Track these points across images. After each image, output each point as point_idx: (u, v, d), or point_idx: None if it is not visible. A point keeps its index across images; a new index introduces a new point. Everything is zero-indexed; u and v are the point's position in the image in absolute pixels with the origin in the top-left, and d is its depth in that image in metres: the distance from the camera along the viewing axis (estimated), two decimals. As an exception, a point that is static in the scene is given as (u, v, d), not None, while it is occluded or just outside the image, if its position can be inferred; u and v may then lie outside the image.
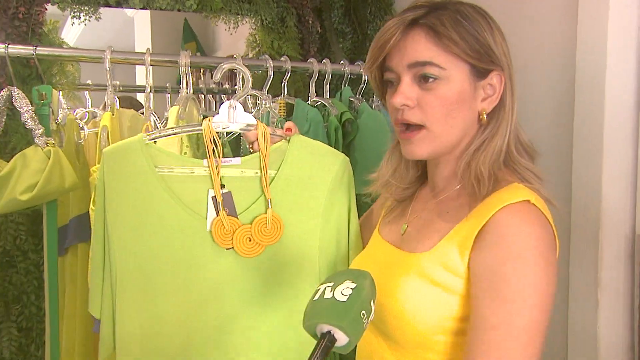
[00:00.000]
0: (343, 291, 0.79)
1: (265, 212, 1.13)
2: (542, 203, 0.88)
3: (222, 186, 1.13)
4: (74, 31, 4.55)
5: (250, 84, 1.17)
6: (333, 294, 0.79)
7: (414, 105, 0.93)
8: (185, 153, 1.28)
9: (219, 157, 1.11)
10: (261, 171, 1.13)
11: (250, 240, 1.13)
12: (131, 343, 1.13)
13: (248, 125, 1.15)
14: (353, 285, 0.80)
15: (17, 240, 1.61)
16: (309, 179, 1.16)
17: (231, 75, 2.56)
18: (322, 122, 1.45)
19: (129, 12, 3.42)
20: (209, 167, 1.11)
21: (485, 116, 0.93)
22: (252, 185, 1.14)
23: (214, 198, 1.12)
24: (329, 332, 0.77)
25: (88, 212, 1.30)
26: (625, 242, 1.36)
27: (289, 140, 1.17)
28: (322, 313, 0.78)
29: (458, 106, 0.92)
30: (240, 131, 1.17)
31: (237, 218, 1.13)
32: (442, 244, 0.91)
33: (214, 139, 1.10)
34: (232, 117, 1.13)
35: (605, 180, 1.32)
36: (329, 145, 1.48)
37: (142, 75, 3.53)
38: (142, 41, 3.83)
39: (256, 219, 1.13)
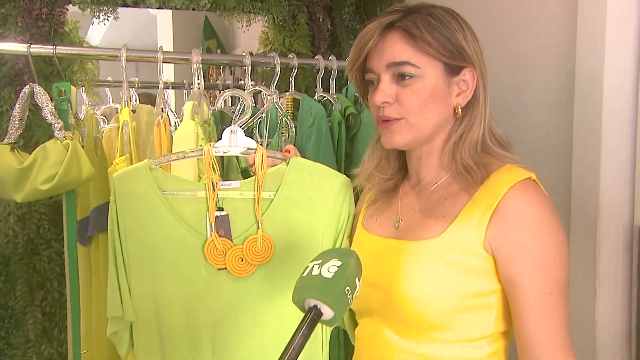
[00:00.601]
0: (329, 268, 0.84)
1: (256, 233, 1.18)
2: (536, 178, 0.97)
3: (221, 209, 1.18)
4: (100, 30, 4.66)
5: (250, 111, 1.24)
6: (320, 271, 0.84)
7: (393, 102, 0.99)
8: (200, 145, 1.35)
9: (216, 181, 1.17)
10: (254, 193, 1.19)
11: (242, 260, 1.17)
12: (148, 346, 1.22)
13: (248, 148, 1.20)
14: (339, 263, 0.85)
15: (40, 229, 1.70)
16: (308, 200, 1.20)
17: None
18: (325, 116, 1.50)
19: (152, 10, 3.50)
20: (207, 189, 1.17)
21: (460, 110, 1.00)
22: (251, 207, 1.19)
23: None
24: (315, 306, 0.82)
25: (106, 202, 1.38)
26: (624, 234, 1.38)
27: (288, 163, 1.21)
28: (309, 288, 0.84)
29: (433, 100, 0.99)
30: (240, 155, 1.22)
31: (231, 239, 1.18)
32: (453, 228, 0.96)
33: (213, 163, 1.17)
34: (233, 141, 1.19)
35: (603, 172, 1.35)
36: (333, 138, 1.53)
37: (165, 72, 3.62)
38: (164, 39, 3.90)
39: (247, 239, 1.17)
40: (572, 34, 1.40)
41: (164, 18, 3.91)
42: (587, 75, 1.37)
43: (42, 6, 1.64)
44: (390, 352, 1.02)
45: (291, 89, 1.59)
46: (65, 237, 1.45)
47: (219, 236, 1.16)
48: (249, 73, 1.54)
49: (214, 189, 1.16)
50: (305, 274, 0.86)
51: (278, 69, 1.54)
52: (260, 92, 1.81)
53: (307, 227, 1.19)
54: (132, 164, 1.35)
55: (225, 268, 1.17)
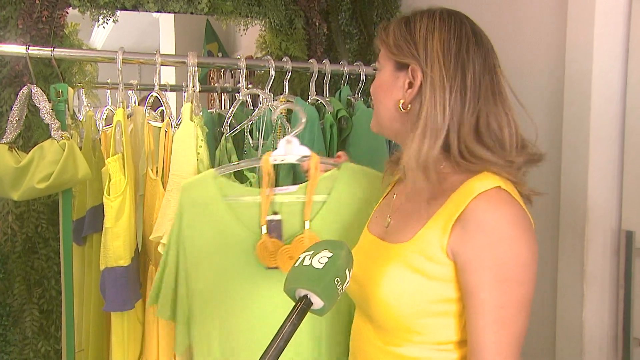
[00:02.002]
0: (320, 259, 0.86)
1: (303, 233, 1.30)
2: (511, 187, 0.93)
3: (276, 213, 1.31)
4: (103, 32, 4.71)
5: (304, 123, 1.34)
6: (311, 261, 0.86)
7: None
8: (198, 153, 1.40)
9: (271, 186, 1.29)
10: (306, 196, 1.30)
11: (290, 258, 1.27)
12: (209, 342, 1.32)
13: (303, 156, 1.31)
14: (329, 255, 0.87)
15: (38, 228, 1.73)
16: (359, 200, 1.31)
17: (249, 74, 2.64)
18: (317, 119, 1.52)
19: (154, 14, 3.54)
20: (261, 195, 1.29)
21: (401, 106, 1.01)
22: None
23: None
24: (305, 295, 0.84)
25: (102, 203, 1.40)
26: (611, 237, 1.40)
27: (339, 167, 1.32)
28: (299, 278, 0.85)
29: (381, 91, 1.06)
30: (296, 162, 1.33)
31: (282, 239, 1.29)
32: (421, 233, 0.97)
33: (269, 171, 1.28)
34: (288, 150, 1.31)
35: (591, 176, 1.37)
36: (325, 140, 1.56)
37: (166, 74, 3.65)
38: (167, 42, 3.93)
39: (295, 238, 1.29)
40: (562, 42, 1.43)
41: (166, 21, 3.94)
42: (576, 82, 1.39)
43: (42, 9, 1.67)
44: (369, 347, 1.05)
45: (285, 92, 1.61)
46: (61, 235, 1.47)
47: (270, 237, 1.28)
48: (244, 76, 1.56)
49: (268, 194, 1.29)
50: (296, 265, 0.88)
51: (272, 73, 1.56)
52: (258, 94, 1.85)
53: (357, 226, 1.25)
54: (124, 163, 1.37)
55: (277, 267, 1.28)
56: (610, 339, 1.41)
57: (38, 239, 1.73)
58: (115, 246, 1.37)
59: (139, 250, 1.54)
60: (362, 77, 1.71)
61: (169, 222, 1.34)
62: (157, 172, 1.48)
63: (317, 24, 2.01)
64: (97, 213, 1.61)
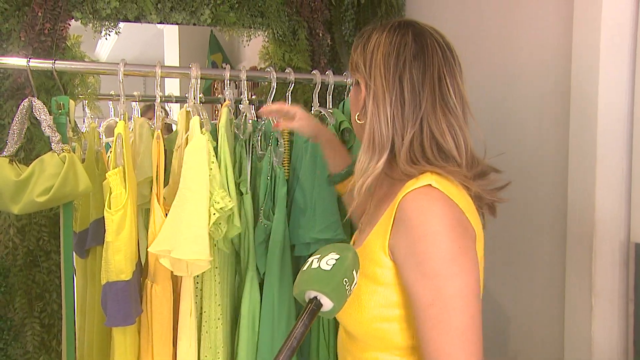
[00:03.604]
0: (328, 261, 0.88)
1: None
2: (447, 186, 0.93)
3: None
4: (108, 44, 4.73)
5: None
6: (319, 264, 0.88)
7: None
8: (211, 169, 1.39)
9: None
10: None
11: None
12: None
13: None
14: (337, 256, 0.89)
15: (40, 241, 1.71)
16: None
17: (253, 85, 2.64)
18: None
19: (159, 25, 3.56)
20: None
21: (356, 118, 1.06)
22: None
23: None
24: (315, 297, 0.86)
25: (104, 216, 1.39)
26: (620, 250, 1.37)
27: None
28: (309, 281, 0.87)
29: (351, 107, 1.12)
30: None
31: None
32: (370, 237, 0.99)
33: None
34: None
35: (599, 188, 1.35)
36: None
37: (171, 85, 3.66)
38: (171, 53, 3.95)
39: None
40: (567, 47, 1.41)
41: (170, 32, 3.97)
42: (582, 92, 1.38)
43: (44, 21, 1.67)
44: (344, 353, 1.08)
45: (288, 103, 1.60)
46: (62, 248, 1.46)
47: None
48: (245, 88, 1.55)
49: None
50: (305, 268, 0.90)
51: (274, 84, 1.55)
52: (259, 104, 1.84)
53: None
54: (125, 176, 1.36)
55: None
56: (620, 354, 1.38)
57: (39, 252, 1.72)
58: (117, 260, 1.36)
59: (142, 263, 1.52)
60: (365, 88, 1.69)
61: (198, 242, 1.33)
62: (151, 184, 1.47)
63: (320, 34, 2.01)
64: (100, 225, 1.59)
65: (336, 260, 0.88)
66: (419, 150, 0.96)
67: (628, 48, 1.34)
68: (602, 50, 1.33)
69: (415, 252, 0.89)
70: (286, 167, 1.57)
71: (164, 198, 1.45)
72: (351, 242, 1.16)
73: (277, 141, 1.54)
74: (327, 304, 0.86)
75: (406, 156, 0.96)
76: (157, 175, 1.43)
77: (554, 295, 1.45)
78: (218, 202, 1.37)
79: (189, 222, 1.34)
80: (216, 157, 1.43)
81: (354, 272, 0.89)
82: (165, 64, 3.86)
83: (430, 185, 0.92)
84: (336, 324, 1.62)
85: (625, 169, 1.37)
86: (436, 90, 0.98)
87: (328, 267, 0.87)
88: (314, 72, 1.65)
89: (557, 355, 1.45)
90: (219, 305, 1.49)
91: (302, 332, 0.83)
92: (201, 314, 1.48)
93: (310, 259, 0.91)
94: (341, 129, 1.59)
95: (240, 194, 1.53)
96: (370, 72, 0.99)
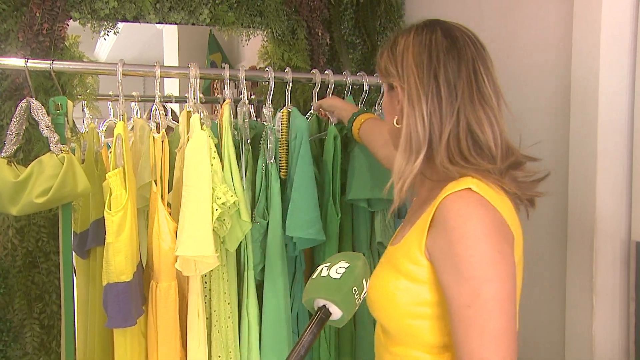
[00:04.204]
0: (337, 270, 0.89)
1: None
2: (487, 191, 0.92)
3: None
4: (107, 44, 4.72)
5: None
6: (329, 272, 0.89)
7: None
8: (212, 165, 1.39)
9: None
10: None
11: None
12: None
13: None
14: (346, 265, 0.90)
15: (39, 242, 1.71)
16: None
17: (252, 85, 2.64)
18: (307, 130, 1.52)
19: (158, 25, 3.55)
20: None
21: (395, 122, 1.06)
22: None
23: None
24: (324, 306, 0.87)
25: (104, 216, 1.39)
26: (621, 248, 1.37)
27: None
28: (317, 289, 0.88)
29: (385, 112, 1.13)
30: None
31: None
32: (407, 236, 1.00)
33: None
34: None
35: (599, 187, 1.34)
36: (327, 152, 1.54)
37: (170, 85, 3.66)
38: (170, 52, 3.94)
39: None
40: (567, 47, 1.41)
41: (169, 32, 3.96)
42: (582, 90, 1.38)
43: (43, 22, 1.66)
44: (379, 346, 1.09)
45: (287, 102, 1.60)
46: (61, 249, 1.46)
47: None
48: (245, 87, 1.55)
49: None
50: (314, 276, 0.91)
51: (272, 83, 1.55)
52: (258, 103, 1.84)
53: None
54: (125, 177, 1.35)
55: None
56: (622, 353, 1.38)
57: (39, 253, 1.71)
58: (117, 261, 1.36)
59: (143, 264, 1.52)
60: (366, 87, 1.69)
61: (196, 239, 1.33)
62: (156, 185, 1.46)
63: (319, 34, 2.00)
64: (100, 226, 1.59)
65: (346, 268, 0.89)
66: (455, 145, 0.96)
67: (628, 47, 1.34)
68: (602, 49, 1.33)
69: (453, 254, 0.89)
70: (284, 166, 1.57)
71: (168, 203, 1.44)
72: (392, 237, 1.16)
73: (268, 137, 1.55)
74: (336, 312, 0.87)
75: (444, 153, 0.96)
76: (161, 175, 1.42)
77: (555, 294, 1.45)
78: (220, 198, 1.37)
79: (191, 218, 1.34)
80: (218, 153, 1.43)
81: (364, 281, 0.91)
82: (165, 64, 3.85)
83: (470, 189, 0.92)
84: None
85: (626, 167, 1.37)
86: (472, 83, 0.98)
87: (337, 276, 0.88)
88: (313, 71, 1.64)
89: (558, 354, 1.45)
90: (229, 303, 1.49)
91: (311, 341, 0.84)
92: (211, 313, 1.47)
93: (320, 267, 0.92)
94: (344, 130, 1.60)
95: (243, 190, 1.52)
96: (403, 74, 1.00)
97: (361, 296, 0.90)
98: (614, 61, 1.34)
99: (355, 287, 0.88)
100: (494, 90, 1.00)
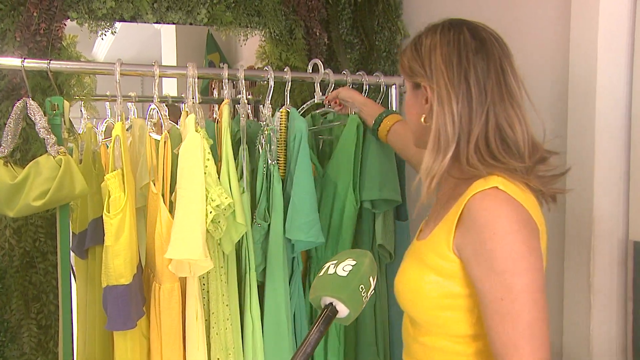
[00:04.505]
0: (344, 267, 0.90)
1: None
2: (513, 189, 0.96)
3: None
4: (105, 44, 4.72)
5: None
6: (335, 270, 0.90)
7: None
8: (206, 166, 1.38)
9: None
10: None
11: None
12: None
13: None
14: (353, 263, 0.91)
15: (36, 242, 1.71)
16: None
17: (250, 85, 2.63)
18: (306, 131, 1.52)
19: (156, 25, 3.54)
20: None
21: (423, 120, 1.08)
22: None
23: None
24: (331, 303, 0.87)
25: (102, 216, 1.39)
26: (618, 248, 1.37)
27: None
28: (324, 286, 0.89)
29: (409, 111, 1.14)
30: None
31: None
32: (435, 232, 1.03)
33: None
34: None
35: (597, 186, 1.34)
36: (350, 141, 1.59)
37: (168, 85, 3.65)
38: (168, 52, 3.93)
39: None
40: (565, 46, 1.40)
41: (167, 32, 3.95)
42: (580, 90, 1.37)
43: (40, 21, 1.66)
44: (407, 337, 1.13)
45: (286, 102, 1.59)
46: (59, 250, 1.45)
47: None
48: (244, 87, 1.54)
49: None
50: (321, 274, 0.91)
51: (272, 83, 1.54)
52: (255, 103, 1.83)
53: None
54: (123, 179, 1.35)
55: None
56: (619, 352, 1.38)
57: (36, 253, 1.71)
58: (116, 264, 1.35)
59: (142, 265, 1.51)
60: (365, 87, 1.69)
61: (185, 241, 1.32)
62: (156, 185, 1.46)
63: (317, 33, 2.00)
64: (99, 225, 1.59)
65: (352, 266, 0.90)
66: (484, 144, 0.99)
67: (626, 46, 1.34)
68: (599, 48, 1.33)
69: (484, 250, 0.92)
70: (282, 166, 1.57)
71: (170, 202, 1.44)
72: (418, 231, 1.18)
73: (270, 138, 1.54)
74: (342, 310, 0.87)
75: (472, 152, 0.99)
76: (163, 176, 1.42)
77: (553, 294, 1.45)
78: (214, 200, 1.37)
79: (182, 220, 1.33)
80: (213, 155, 1.43)
81: (371, 279, 0.91)
82: (163, 64, 3.85)
83: (496, 187, 0.95)
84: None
85: (624, 167, 1.37)
86: (501, 82, 1.00)
87: (344, 273, 0.88)
88: (314, 60, 1.66)
89: (556, 353, 1.45)
90: (227, 305, 1.48)
91: (317, 339, 0.84)
92: (209, 315, 1.47)
93: (326, 265, 0.92)
94: None
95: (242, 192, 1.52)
96: (432, 74, 1.02)
97: (368, 294, 0.91)
98: (612, 60, 1.34)
99: (362, 285, 0.89)
100: (520, 88, 1.03)
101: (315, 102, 1.69)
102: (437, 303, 1.01)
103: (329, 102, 1.69)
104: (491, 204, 0.94)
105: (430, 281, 1.01)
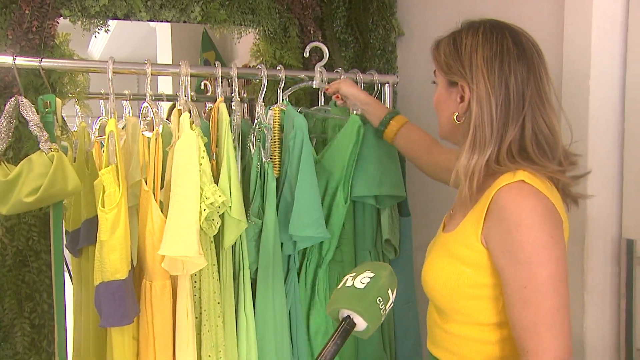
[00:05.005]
0: (362, 280, 0.90)
1: None
2: (539, 183, 1.00)
3: None
4: (101, 42, 4.71)
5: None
6: (353, 282, 0.90)
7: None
8: (200, 164, 1.38)
9: None
10: None
11: None
12: None
13: None
14: (371, 275, 0.91)
15: (29, 241, 1.70)
16: None
17: (245, 83, 2.63)
18: (306, 127, 1.51)
19: (151, 23, 3.53)
20: None
21: (455, 118, 1.11)
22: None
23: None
24: (348, 316, 0.87)
25: (96, 215, 1.38)
26: (612, 245, 1.38)
27: None
28: (342, 299, 0.89)
29: (439, 104, 1.17)
30: None
31: None
32: (463, 224, 1.08)
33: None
34: None
35: (590, 184, 1.34)
36: (348, 140, 1.57)
37: (164, 84, 3.64)
38: (164, 51, 3.92)
39: None
40: (559, 44, 1.40)
41: (163, 30, 3.94)
42: (573, 88, 1.38)
43: (32, 19, 1.65)
44: (432, 324, 1.18)
45: (279, 100, 1.59)
46: (52, 248, 1.44)
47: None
48: (236, 85, 1.54)
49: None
50: (339, 286, 0.91)
51: (265, 81, 1.54)
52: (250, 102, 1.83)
53: None
54: (118, 175, 1.34)
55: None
56: (612, 349, 1.38)
57: (29, 252, 1.70)
58: (112, 259, 1.34)
59: (134, 263, 1.51)
60: (360, 85, 1.68)
61: (180, 239, 1.32)
62: (147, 183, 1.45)
63: (311, 31, 1.99)
64: (92, 225, 1.59)
65: (370, 278, 0.90)
66: (517, 147, 1.03)
67: (619, 46, 1.35)
68: (593, 48, 1.34)
69: (509, 241, 0.97)
70: (277, 164, 1.56)
71: (160, 201, 1.44)
72: (441, 225, 1.21)
73: (265, 136, 1.54)
74: (360, 323, 0.87)
75: (504, 154, 1.02)
76: (154, 173, 1.41)
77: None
78: (208, 198, 1.37)
79: (177, 218, 1.34)
80: (208, 153, 1.42)
81: (389, 292, 0.92)
82: (158, 62, 3.84)
83: (523, 180, 0.99)
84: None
85: (617, 166, 1.37)
86: (540, 88, 1.04)
87: (362, 286, 0.89)
88: (314, 43, 1.67)
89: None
90: (219, 303, 1.48)
91: (334, 352, 0.84)
92: (201, 312, 1.46)
93: (345, 277, 0.93)
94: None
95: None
96: (473, 76, 1.04)
97: (387, 307, 0.90)
98: (606, 59, 1.34)
99: (380, 297, 0.89)
100: (553, 94, 1.08)
101: (314, 86, 1.66)
102: (464, 292, 1.05)
103: (329, 93, 1.66)
104: (517, 196, 0.98)
105: (458, 271, 1.05)
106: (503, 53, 1.03)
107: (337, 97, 1.64)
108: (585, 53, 1.34)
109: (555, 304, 0.95)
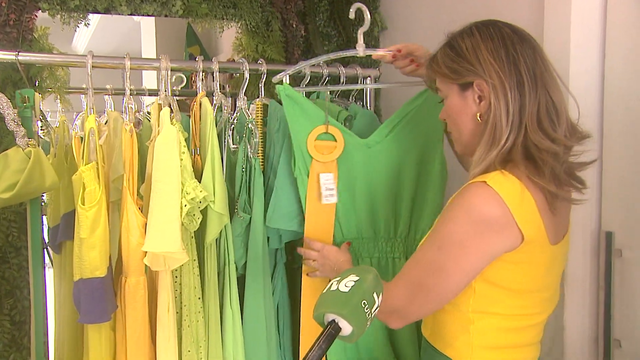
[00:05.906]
0: (346, 283, 0.89)
1: None
2: (506, 186, 1.00)
3: None
4: (85, 36, 4.67)
5: None
6: (338, 286, 0.89)
7: (444, 119, 1.18)
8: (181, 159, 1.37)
9: None
10: None
11: None
12: None
13: None
14: (356, 278, 0.90)
15: (9, 237, 1.68)
16: None
17: (229, 77, 2.62)
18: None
19: (136, 17, 3.51)
20: None
21: (479, 117, 1.08)
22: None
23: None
24: (333, 320, 0.86)
25: (74, 209, 1.37)
26: (591, 238, 1.39)
27: None
28: (326, 303, 0.88)
29: (457, 115, 1.12)
30: None
31: None
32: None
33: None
34: None
35: (570, 177, 1.35)
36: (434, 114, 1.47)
37: (149, 78, 3.61)
38: (148, 45, 3.91)
39: None
40: (540, 37, 1.41)
41: (147, 25, 3.92)
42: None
43: (9, 12, 1.63)
44: None
45: (261, 94, 1.58)
46: (29, 244, 1.43)
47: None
48: (218, 79, 1.53)
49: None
50: (324, 290, 0.91)
51: (247, 75, 1.53)
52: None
53: None
54: (98, 172, 1.33)
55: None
56: (591, 340, 1.39)
57: (9, 248, 1.68)
58: (92, 257, 1.33)
59: (114, 258, 1.50)
60: (343, 79, 1.68)
61: (163, 234, 1.31)
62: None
63: (294, 25, 1.99)
64: (70, 219, 1.57)
65: (355, 282, 0.89)
66: (535, 124, 1.02)
67: (598, 41, 1.36)
68: (572, 44, 1.35)
69: (438, 226, 1.04)
70: (261, 158, 1.56)
71: (140, 196, 1.43)
72: None
73: (252, 132, 1.53)
74: (346, 327, 0.86)
75: (522, 134, 1.02)
76: (130, 170, 1.40)
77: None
78: (189, 193, 1.37)
79: (159, 214, 1.33)
80: (188, 148, 1.41)
81: (375, 295, 0.90)
82: (143, 57, 3.82)
83: (485, 182, 1.00)
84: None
85: (596, 157, 1.37)
86: (547, 66, 1.06)
87: (346, 289, 0.88)
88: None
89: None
90: (199, 298, 1.48)
91: (318, 356, 0.83)
92: (181, 307, 1.46)
93: (330, 282, 0.92)
94: (341, 118, 1.58)
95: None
96: (484, 69, 1.04)
97: (372, 310, 0.89)
98: (585, 56, 1.36)
99: (364, 301, 0.88)
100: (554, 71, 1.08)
101: (359, 55, 1.53)
102: None
103: (393, 56, 1.47)
104: (466, 195, 1.01)
105: None
106: (505, 41, 1.04)
107: (412, 60, 1.44)
108: (564, 50, 1.35)
109: (427, 282, 1.04)
